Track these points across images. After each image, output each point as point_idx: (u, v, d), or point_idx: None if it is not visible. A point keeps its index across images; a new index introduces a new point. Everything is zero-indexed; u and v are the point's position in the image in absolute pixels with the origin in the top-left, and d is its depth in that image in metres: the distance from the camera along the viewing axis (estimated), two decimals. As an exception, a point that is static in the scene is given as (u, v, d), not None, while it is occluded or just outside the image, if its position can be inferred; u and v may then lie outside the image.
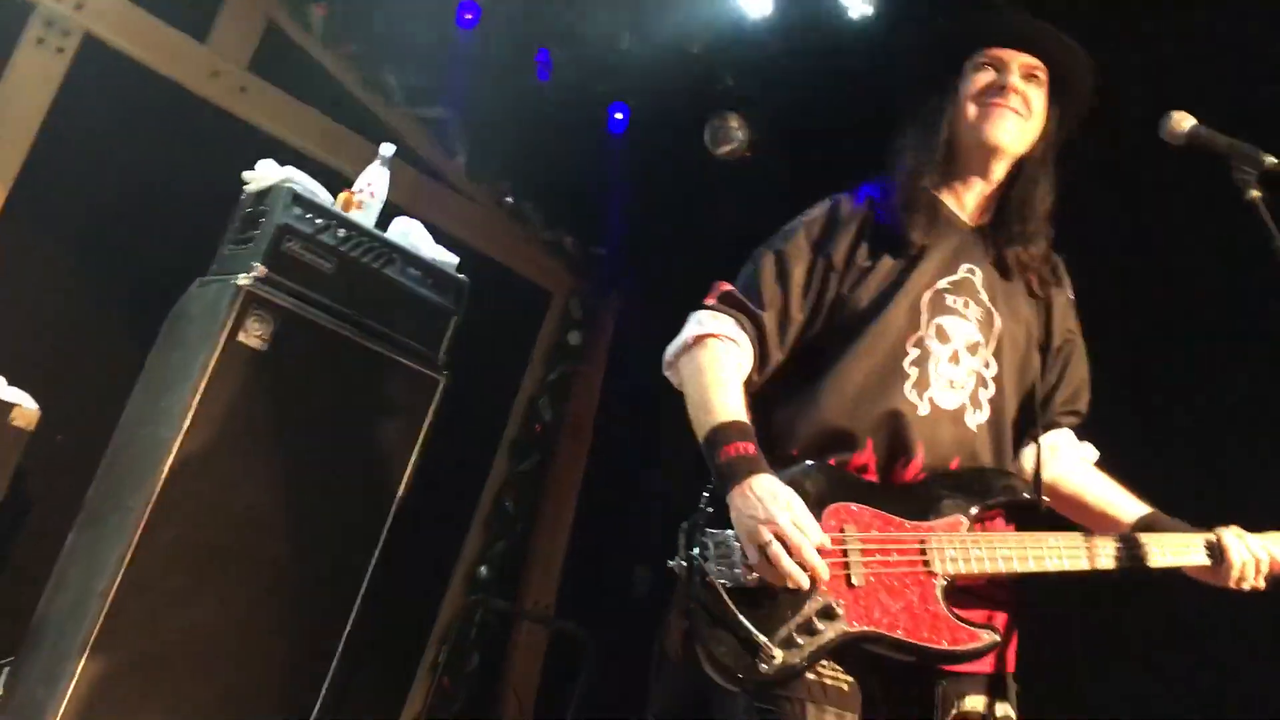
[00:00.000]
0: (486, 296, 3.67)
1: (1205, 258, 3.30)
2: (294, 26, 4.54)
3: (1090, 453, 2.16)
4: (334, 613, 3.10)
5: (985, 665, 1.86)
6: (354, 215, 3.26)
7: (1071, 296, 2.17)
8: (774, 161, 4.56)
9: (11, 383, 3.06)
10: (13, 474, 3.00)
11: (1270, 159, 1.87)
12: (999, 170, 2.09)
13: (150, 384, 3.10)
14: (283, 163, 3.27)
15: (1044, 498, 1.99)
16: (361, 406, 3.22)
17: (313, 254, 3.12)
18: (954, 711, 1.84)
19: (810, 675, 1.75)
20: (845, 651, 1.76)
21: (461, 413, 3.58)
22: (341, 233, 3.19)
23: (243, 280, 2.95)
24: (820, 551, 1.71)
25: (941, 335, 1.98)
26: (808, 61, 4.23)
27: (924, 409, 1.92)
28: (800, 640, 1.72)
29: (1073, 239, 2.17)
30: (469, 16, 4.59)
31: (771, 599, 1.74)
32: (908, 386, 1.93)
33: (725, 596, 1.72)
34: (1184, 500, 2.05)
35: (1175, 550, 1.94)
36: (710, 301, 2.01)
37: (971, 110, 2.06)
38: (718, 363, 1.92)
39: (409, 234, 3.43)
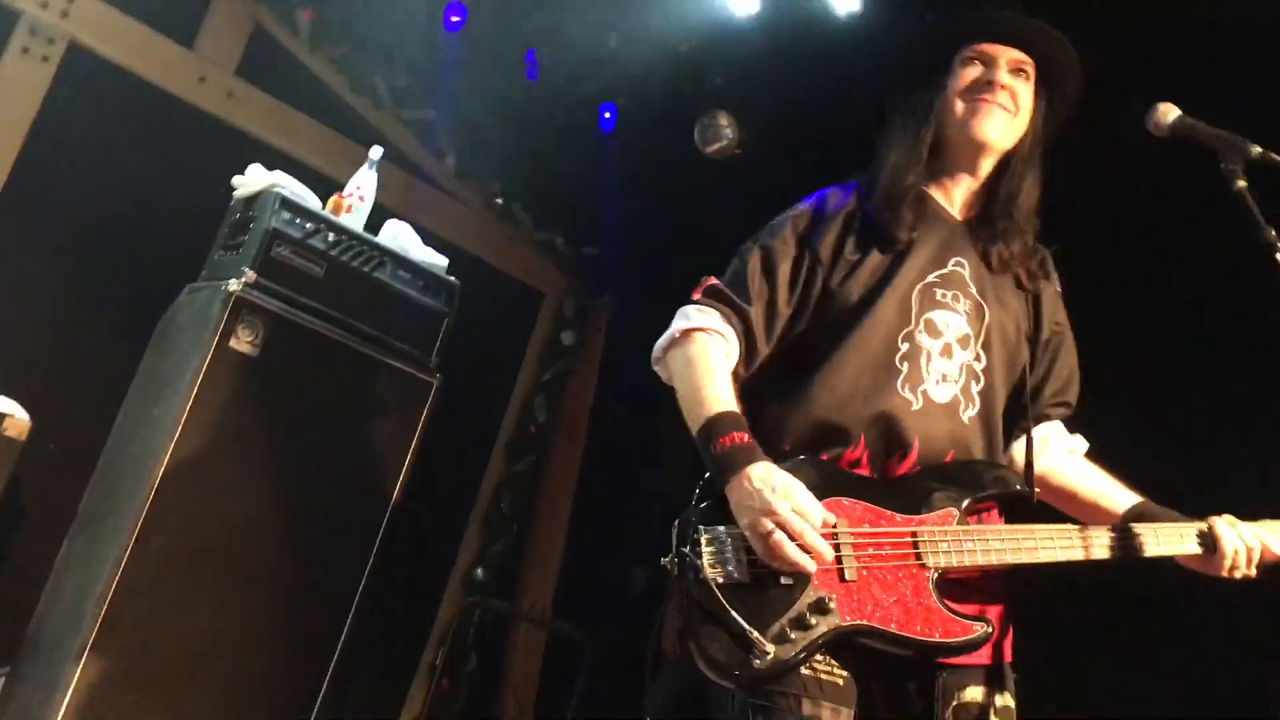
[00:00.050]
0: (479, 298, 3.67)
1: (1195, 249, 3.30)
2: (281, 30, 4.54)
3: (1080, 444, 2.17)
4: (331, 616, 3.10)
5: (983, 657, 1.87)
6: (343, 219, 3.26)
7: (1059, 289, 2.18)
8: (764, 159, 4.57)
9: (2, 392, 3.06)
10: (6, 483, 3.00)
11: (1256, 149, 1.87)
12: (986, 166, 2.10)
13: (142, 391, 3.09)
14: (271, 167, 3.27)
15: (1035, 489, 2.00)
16: (354, 411, 3.21)
17: (303, 258, 3.12)
18: (954, 702, 1.84)
19: (805, 670, 1.75)
20: (840, 646, 1.77)
21: (456, 415, 3.59)
22: (331, 237, 3.18)
23: (233, 286, 2.95)
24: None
25: (932, 329, 1.98)
26: (796, 59, 4.24)
27: (918, 404, 1.93)
28: (793, 635, 1.72)
29: (1063, 232, 2.18)
30: (455, 18, 4.59)
31: (764, 594, 1.74)
32: (900, 381, 1.93)
33: (718, 593, 1.72)
34: (1175, 490, 2.06)
35: (1168, 539, 1.94)
36: (697, 296, 2.01)
37: (959, 107, 2.06)
38: (707, 355, 1.92)
39: (399, 237, 3.43)
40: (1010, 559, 1.86)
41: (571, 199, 5.29)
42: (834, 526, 1.79)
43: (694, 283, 2.05)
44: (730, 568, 1.75)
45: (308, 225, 3.13)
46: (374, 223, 3.39)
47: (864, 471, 1.91)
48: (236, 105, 4.35)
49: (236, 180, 3.27)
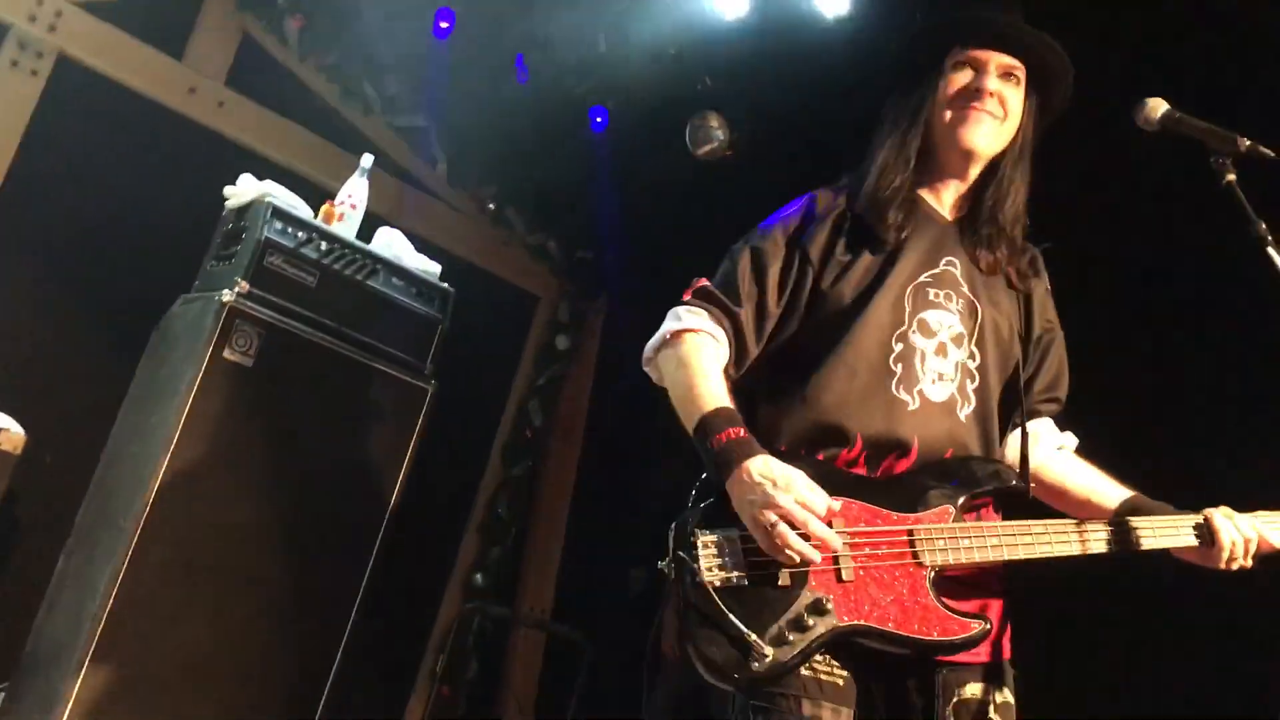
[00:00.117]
0: (473, 303, 3.67)
1: (1189, 247, 3.30)
2: (270, 40, 4.54)
3: (1070, 440, 2.17)
4: (331, 624, 3.10)
5: (981, 654, 1.87)
6: (336, 227, 3.26)
7: (1049, 287, 2.18)
8: (755, 160, 4.57)
9: (-4, 407, 3.06)
10: (2, 497, 3.00)
11: (1245, 142, 1.88)
12: (974, 171, 2.10)
13: (137, 402, 3.09)
14: (262, 177, 3.27)
15: (1030, 484, 2.00)
16: (350, 418, 3.22)
17: (295, 268, 3.12)
18: (954, 700, 1.84)
19: (805, 671, 1.76)
20: (839, 646, 1.77)
21: (452, 420, 3.59)
22: (324, 245, 3.19)
23: (226, 296, 2.95)
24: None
25: (925, 329, 1.98)
26: (785, 62, 4.24)
27: (914, 404, 1.93)
28: (791, 636, 1.72)
29: (1059, 229, 2.18)
30: (444, 25, 4.59)
31: (761, 596, 1.74)
32: (895, 383, 1.94)
33: (715, 596, 1.72)
34: (1170, 485, 2.06)
35: (1165, 532, 1.95)
36: (687, 297, 2.01)
37: (947, 114, 2.05)
38: (699, 354, 1.92)
39: (392, 244, 3.43)
40: (1007, 555, 1.86)
41: (564, 203, 5.29)
42: (830, 527, 1.79)
43: (688, 284, 2.05)
44: (727, 570, 1.75)
45: (300, 234, 3.14)
46: (366, 230, 3.39)
47: (860, 471, 1.91)
48: (227, 115, 4.35)
49: (228, 190, 3.27)
